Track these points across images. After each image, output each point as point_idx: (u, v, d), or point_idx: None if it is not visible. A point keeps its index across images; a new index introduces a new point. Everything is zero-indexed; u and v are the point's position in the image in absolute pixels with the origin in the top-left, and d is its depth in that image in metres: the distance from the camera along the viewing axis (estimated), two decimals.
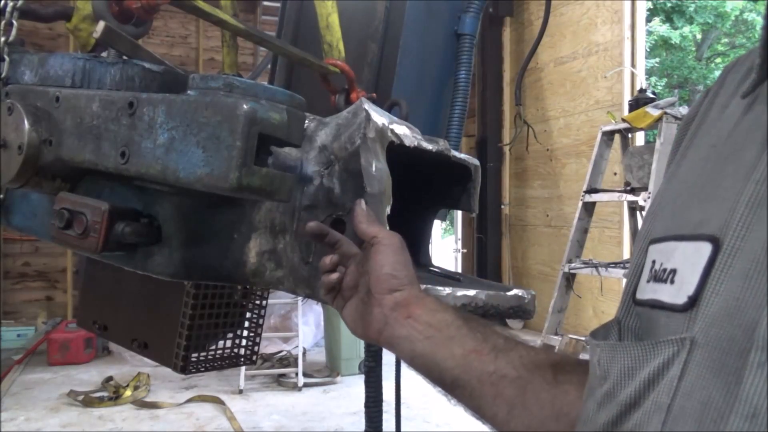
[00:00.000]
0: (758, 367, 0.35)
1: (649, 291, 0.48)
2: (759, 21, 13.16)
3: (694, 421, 0.38)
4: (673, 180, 0.54)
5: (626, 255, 4.84)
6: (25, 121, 0.97)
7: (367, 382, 2.19)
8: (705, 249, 0.42)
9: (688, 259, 0.44)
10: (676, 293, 0.44)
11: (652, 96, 4.15)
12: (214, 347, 1.65)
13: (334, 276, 0.80)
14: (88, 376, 5.11)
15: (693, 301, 0.42)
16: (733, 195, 0.42)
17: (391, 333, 0.74)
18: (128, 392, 4.52)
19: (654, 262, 0.48)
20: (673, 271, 0.45)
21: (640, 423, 0.42)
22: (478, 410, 0.68)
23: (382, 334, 0.75)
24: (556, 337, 4.33)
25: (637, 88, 4.62)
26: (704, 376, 0.39)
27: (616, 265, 4.05)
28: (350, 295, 0.79)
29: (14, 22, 1.11)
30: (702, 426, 0.38)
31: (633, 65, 4.98)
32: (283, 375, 5.07)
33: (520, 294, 1.06)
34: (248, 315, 1.73)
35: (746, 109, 0.48)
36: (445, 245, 12.87)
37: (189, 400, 4.52)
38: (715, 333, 0.39)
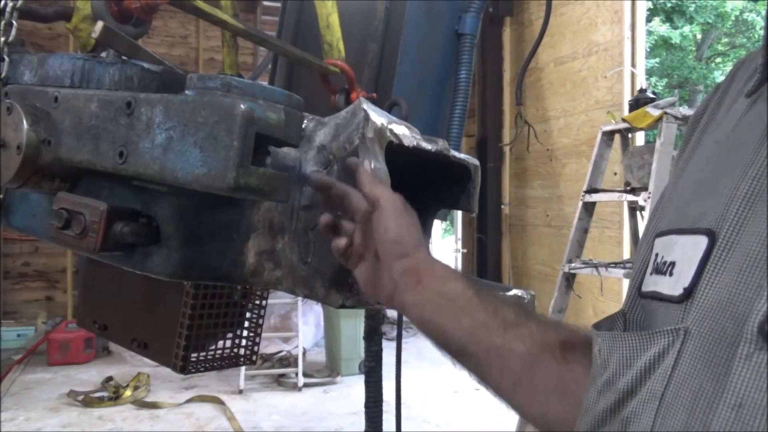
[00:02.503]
0: (746, 359, 0.37)
1: (651, 283, 0.49)
2: (759, 21, 13.16)
3: (686, 409, 0.39)
4: (681, 176, 0.55)
5: (626, 255, 4.83)
6: (24, 121, 0.97)
7: (367, 382, 2.19)
8: (702, 242, 0.44)
9: (686, 252, 0.45)
10: (673, 285, 0.45)
11: (652, 96, 4.14)
12: (213, 347, 1.65)
13: (342, 242, 0.79)
14: (88, 376, 5.11)
15: (688, 293, 0.43)
16: (729, 190, 0.44)
17: (401, 298, 0.74)
18: (128, 392, 4.53)
19: (657, 255, 0.49)
20: (672, 264, 0.46)
21: (636, 410, 0.43)
22: (483, 380, 0.68)
23: (393, 298, 0.75)
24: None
25: (637, 88, 4.61)
26: (696, 366, 0.40)
27: (616, 265, 4.04)
28: (361, 256, 0.79)
29: (14, 22, 1.11)
30: (693, 414, 0.39)
31: (633, 65, 4.97)
32: (283, 375, 5.07)
33: (519, 294, 1.06)
34: (248, 315, 1.73)
35: (748, 107, 0.49)
36: (445, 245, 12.86)
37: (189, 400, 4.52)
38: (707, 324, 0.41)
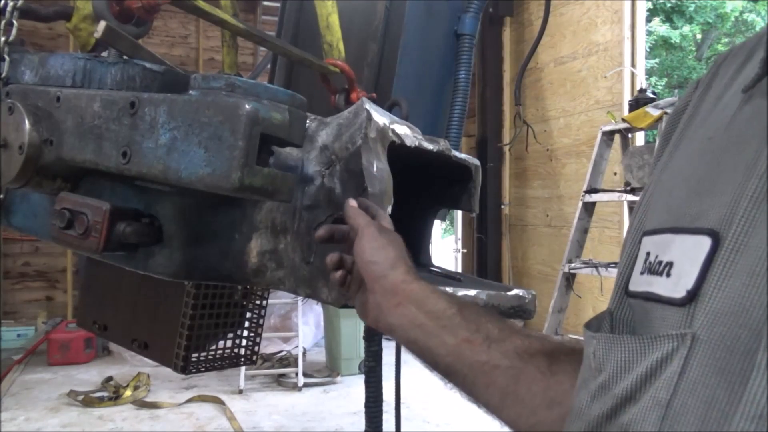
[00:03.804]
0: (766, 369, 0.35)
1: (643, 283, 0.47)
2: (759, 21, 13.16)
3: (697, 419, 0.38)
4: (666, 172, 0.53)
5: None
6: (26, 121, 0.97)
7: (367, 382, 2.19)
8: (704, 243, 0.42)
9: (685, 253, 0.43)
10: (673, 287, 0.43)
11: (652, 96, 4.15)
12: (214, 347, 1.65)
13: (338, 274, 0.81)
14: (88, 376, 5.10)
15: (692, 296, 0.41)
16: (732, 189, 0.42)
17: (385, 321, 0.76)
18: (128, 392, 4.52)
19: (648, 254, 0.47)
20: (670, 264, 0.44)
21: (637, 418, 0.41)
22: (471, 395, 0.69)
23: (379, 321, 0.77)
24: (556, 337, 4.32)
25: (637, 88, 4.61)
26: (707, 374, 0.38)
27: (616, 265, 4.05)
28: (358, 285, 0.81)
29: (14, 22, 1.11)
30: (705, 424, 0.37)
31: (633, 65, 4.97)
32: (283, 375, 5.07)
33: (520, 294, 1.07)
34: (248, 315, 1.73)
35: (744, 101, 0.47)
36: (445, 245, 12.85)
37: (189, 400, 4.52)
38: (718, 331, 0.39)
